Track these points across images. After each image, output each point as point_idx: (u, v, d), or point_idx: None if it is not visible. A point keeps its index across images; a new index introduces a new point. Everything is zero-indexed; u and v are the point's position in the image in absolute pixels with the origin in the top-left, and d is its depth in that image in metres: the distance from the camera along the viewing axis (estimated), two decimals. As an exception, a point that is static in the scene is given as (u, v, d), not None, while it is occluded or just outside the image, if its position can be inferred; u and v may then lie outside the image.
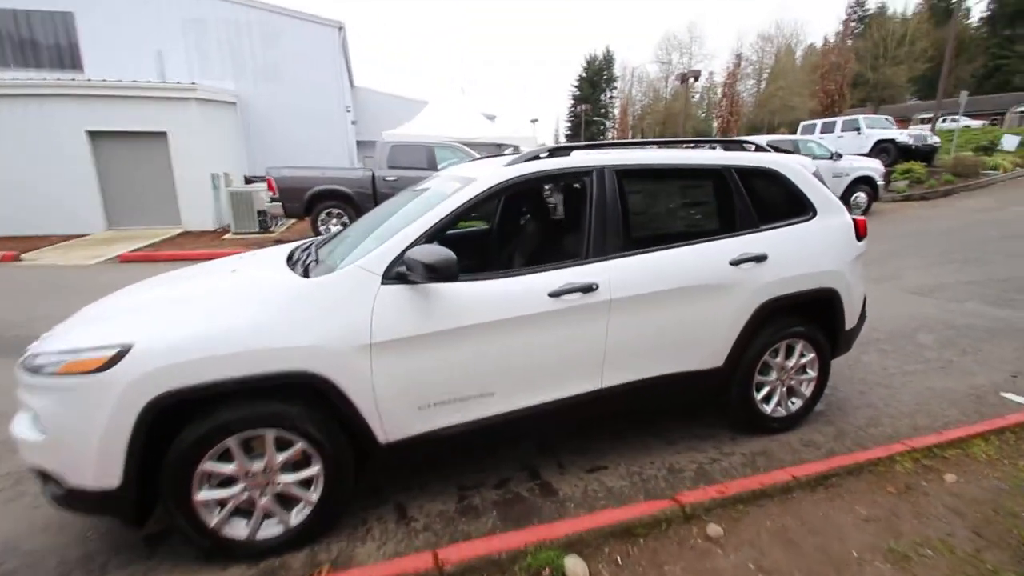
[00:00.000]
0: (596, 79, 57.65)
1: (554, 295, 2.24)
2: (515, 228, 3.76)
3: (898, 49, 35.19)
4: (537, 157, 2.44)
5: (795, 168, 2.88)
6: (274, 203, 8.74)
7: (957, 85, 32.99)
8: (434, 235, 2.16)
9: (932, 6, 40.14)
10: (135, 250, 8.93)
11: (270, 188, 8.57)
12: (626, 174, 2.51)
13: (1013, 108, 31.64)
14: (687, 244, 2.53)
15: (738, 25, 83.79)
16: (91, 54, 13.86)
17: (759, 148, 2.96)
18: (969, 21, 41.15)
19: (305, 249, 2.73)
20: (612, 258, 2.39)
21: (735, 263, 2.57)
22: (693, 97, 47.76)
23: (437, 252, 1.97)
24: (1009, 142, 18.10)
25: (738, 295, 2.58)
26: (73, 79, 11.33)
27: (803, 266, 2.74)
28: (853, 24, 38.06)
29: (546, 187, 3.56)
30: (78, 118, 10.95)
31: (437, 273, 1.95)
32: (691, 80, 32.61)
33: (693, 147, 3.01)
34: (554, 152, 2.48)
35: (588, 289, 2.29)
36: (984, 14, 42.53)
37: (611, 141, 2.65)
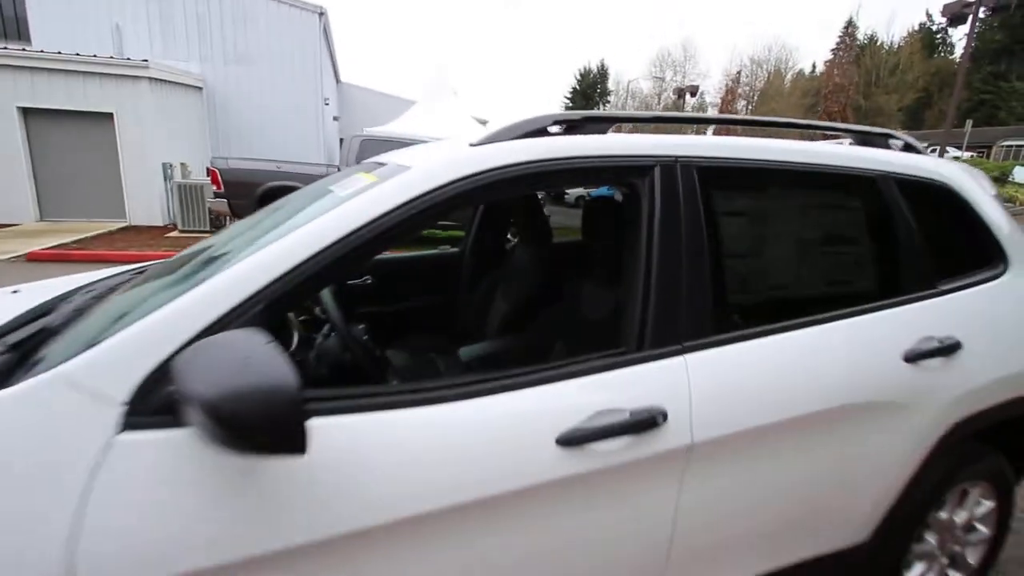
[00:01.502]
0: (589, 92, 57.02)
1: (571, 441, 0.99)
2: (497, 261, 2.52)
3: (890, 78, 35.35)
4: (540, 132, 1.19)
5: (974, 184, 1.68)
6: (218, 199, 7.39)
7: (941, 119, 33.04)
8: (281, 300, 0.90)
9: (922, 38, 40.44)
10: (50, 248, 7.51)
11: (214, 182, 7.23)
12: (720, 176, 1.27)
13: (999, 142, 31.51)
14: (824, 320, 1.30)
15: (731, 45, 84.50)
16: (42, 27, 12.41)
17: (910, 147, 1.74)
18: (952, 56, 41.58)
19: (89, 291, 1.43)
20: (690, 349, 1.15)
21: (912, 358, 1.34)
22: (690, 114, 47.21)
23: (254, 369, 0.71)
24: (1021, 174, 17.47)
25: (914, 417, 1.36)
26: (5, 47, 9.90)
27: (1012, 360, 1.52)
28: (842, 53, 38.08)
29: (546, 194, 2.36)
30: (9, 93, 9.53)
31: (244, 430, 0.69)
32: (687, 96, 31.97)
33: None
34: (576, 125, 1.24)
35: (646, 425, 1.04)
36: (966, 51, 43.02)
37: (673, 115, 1.31)
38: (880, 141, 1.70)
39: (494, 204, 2.55)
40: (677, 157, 1.22)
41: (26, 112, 9.74)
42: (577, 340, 1.61)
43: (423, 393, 0.96)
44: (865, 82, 35.62)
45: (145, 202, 10.32)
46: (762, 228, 1.36)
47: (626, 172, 1.20)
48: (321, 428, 0.84)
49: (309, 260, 0.90)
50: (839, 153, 1.44)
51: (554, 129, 1.23)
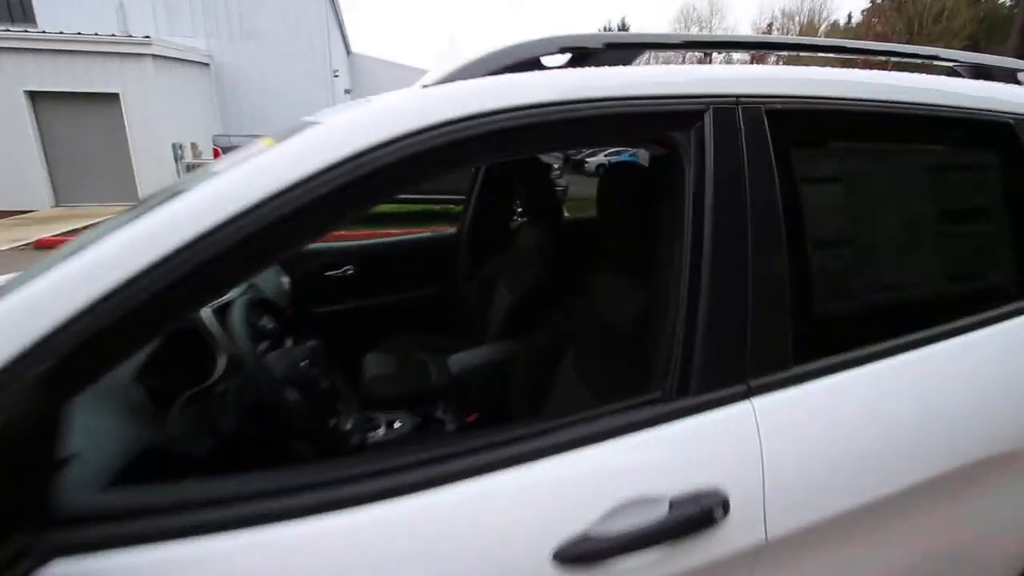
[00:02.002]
0: (613, 53, 54.67)
1: (577, 558, 0.62)
2: (500, 243, 2.13)
3: (934, 25, 32.82)
4: (531, 64, 0.78)
5: None
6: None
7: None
8: (87, 351, 0.54)
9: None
10: (58, 235, 7.41)
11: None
12: (806, 124, 0.85)
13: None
14: (967, 328, 0.88)
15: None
16: (46, 7, 12.18)
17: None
18: (1002, 1, 38.09)
19: None
20: (762, 390, 0.75)
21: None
22: (717, 73, 45.05)
23: None
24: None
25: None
26: (7, 30, 9.71)
27: None
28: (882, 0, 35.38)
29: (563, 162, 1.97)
30: (15, 76, 9.36)
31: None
32: (715, 53, 30.20)
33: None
34: (586, 55, 0.83)
35: (695, 523, 0.66)
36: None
37: (717, 39, 0.87)
38: (1004, 75, 1.23)
39: (496, 172, 2.15)
40: (739, 97, 0.80)
41: (33, 96, 9.59)
42: (596, 350, 1.23)
43: (316, 492, 0.60)
44: (907, 31, 33.16)
45: (157, 184, 10.16)
46: (869, 201, 0.93)
47: (660, 121, 0.78)
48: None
49: (117, 293, 0.54)
50: (954, 88, 0.99)
51: (553, 61, 0.82)
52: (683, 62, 1.04)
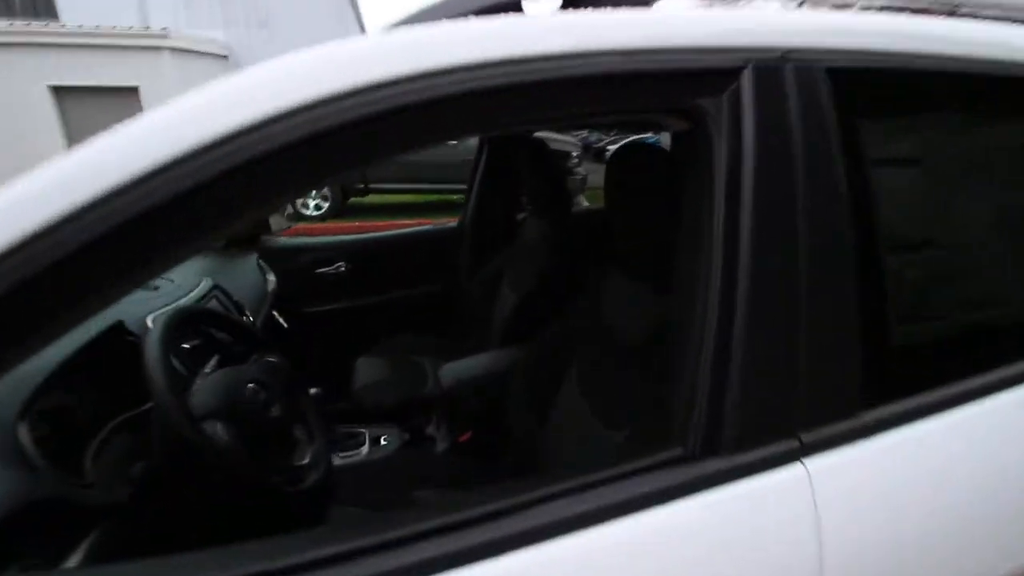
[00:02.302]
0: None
1: None
2: (505, 237, 1.94)
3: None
4: (508, 6, 0.59)
5: None
6: (238, 172, 7.04)
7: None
8: None
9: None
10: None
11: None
12: (880, 88, 0.63)
13: None
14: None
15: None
16: (69, 1, 12.31)
17: None
18: None
19: None
20: (818, 447, 0.55)
21: None
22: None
23: None
24: None
25: None
26: (28, 24, 9.82)
27: None
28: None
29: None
30: (39, 71, 9.49)
31: None
32: None
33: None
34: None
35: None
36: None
37: None
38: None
39: (499, 156, 1.95)
40: (787, 52, 0.59)
41: (57, 91, 9.72)
42: (603, 367, 1.05)
43: None
44: None
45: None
46: (969, 192, 0.70)
47: (679, 84, 0.58)
48: None
49: None
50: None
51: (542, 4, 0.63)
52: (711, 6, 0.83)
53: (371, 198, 7.60)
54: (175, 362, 1.01)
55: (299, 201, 7.08)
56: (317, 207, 7.07)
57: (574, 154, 6.92)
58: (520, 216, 1.98)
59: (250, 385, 0.88)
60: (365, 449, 1.36)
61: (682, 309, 0.62)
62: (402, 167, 6.97)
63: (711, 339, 0.56)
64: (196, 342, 1.05)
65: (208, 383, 0.83)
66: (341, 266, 1.97)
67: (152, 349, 0.73)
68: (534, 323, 1.57)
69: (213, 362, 0.99)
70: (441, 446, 1.39)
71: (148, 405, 0.85)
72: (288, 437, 0.91)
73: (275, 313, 1.74)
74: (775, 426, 0.57)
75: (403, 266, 2.05)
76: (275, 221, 2.00)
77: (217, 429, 0.74)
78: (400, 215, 7.32)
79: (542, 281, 1.58)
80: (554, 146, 7.32)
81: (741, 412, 0.55)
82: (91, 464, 0.75)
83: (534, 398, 1.21)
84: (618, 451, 0.85)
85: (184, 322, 0.84)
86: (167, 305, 1.09)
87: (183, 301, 1.14)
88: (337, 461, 1.32)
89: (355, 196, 7.53)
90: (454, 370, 1.37)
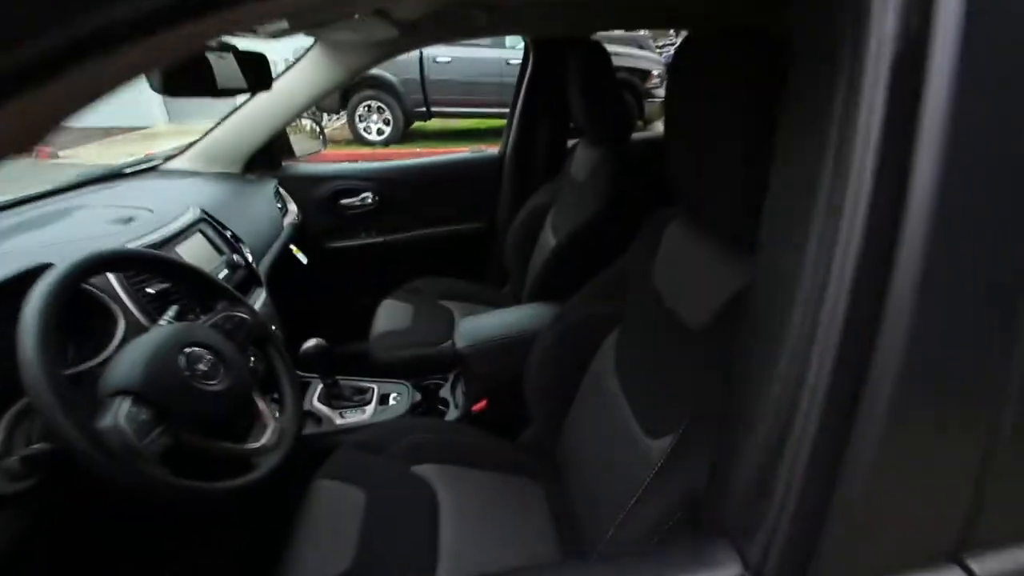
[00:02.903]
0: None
1: None
2: (551, 168, 1.64)
3: None
4: None
5: None
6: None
7: None
8: None
9: None
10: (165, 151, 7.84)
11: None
12: None
13: None
14: None
15: None
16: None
17: None
18: None
19: None
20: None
21: None
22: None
23: None
24: None
25: None
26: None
27: None
28: None
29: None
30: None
31: None
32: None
33: None
34: None
35: None
36: None
37: None
38: None
39: (549, 65, 1.61)
40: None
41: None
42: (647, 347, 0.80)
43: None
44: None
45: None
46: None
47: None
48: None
49: None
50: None
51: None
52: None
53: (434, 123, 7.32)
54: (134, 310, 0.87)
55: (360, 125, 6.95)
56: (379, 131, 6.90)
57: (655, 72, 6.16)
58: (571, 143, 1.65)
59: (188, 350, 0.71)
60: (370, 409, 1.21)
61: (775, 297, 0.35)
62: (467, 88, 6.58)
63: (815, 369, 0.29)
64: (164, 286, 0.90)
65: (126, 351, 0.67)
66: (367, 197, 1.77)
67: (28, 318, 0.56)
68: (572, 276, 1.31)
69: (170, 313, 0.84)
70: (453, 413, 1.22)
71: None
72: (240, 413, 0.74)
73: (293, 247, 1.59)
74: (923, 538, 0.30)
75: (436, 199, 1.82)
76: (301, 145, 1.81)
77: (119, 416, 0.58)
78: (464, 141, 7.03)
79: (589, 225, 1.30)
80: (630, 62, 6.58)
81: (867, 515, 0.29)
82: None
83: (559, 374, 0.98)
84: (652, 479, 0.61)
85: (86, 273, 0.67)
86: (142, 239, 0.94)
87: (158, 235, 0.99)
88: (337, 421, 1.18)
89: (418, 121, 7.27)
90: (471, 329, 1.16)
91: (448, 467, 1.03)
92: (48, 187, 1.28)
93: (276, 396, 0.88)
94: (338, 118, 8.51)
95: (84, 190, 1.31)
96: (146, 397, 0.63)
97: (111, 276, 0.82)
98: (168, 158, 1.61)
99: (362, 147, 6.80)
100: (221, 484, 0.65)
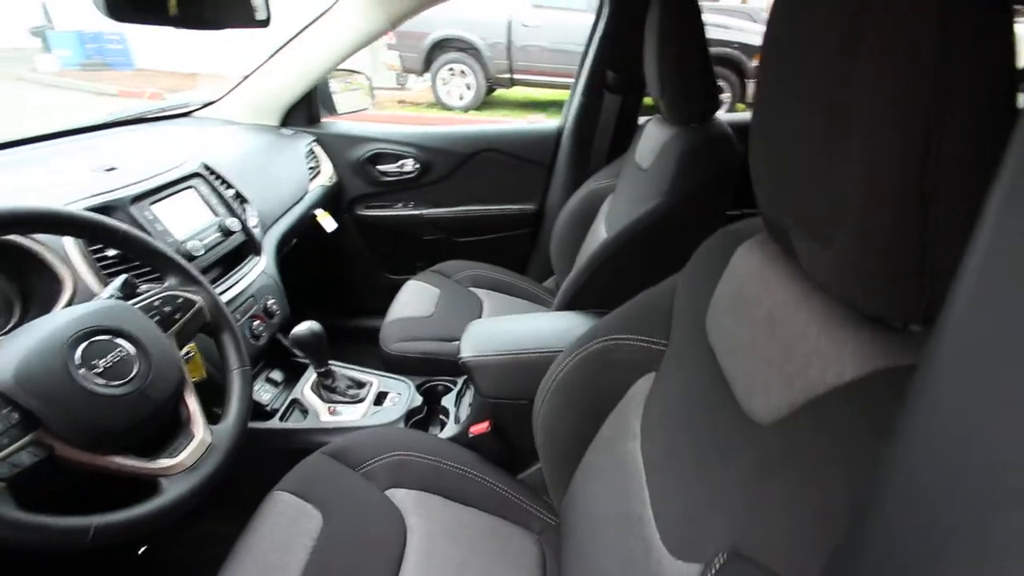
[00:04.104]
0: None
1: None
2: (617, 146, 1.38)
3: None
4: None
5: None
6: (391, 51, 6.93)
7: None
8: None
9: None
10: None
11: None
12: None
13: None
14: None
15: None
16: None
17: None
18: None
19: None
20: None
21: None
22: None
23: None
24: None
25: None
26: None
27: None
28: None
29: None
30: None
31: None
32: None
33: None
34: None
35: None
36: None
37: None
38: None
39: (624, 22, 1.34)
40: None
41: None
42: (682, 419, 0.57)
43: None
44: None
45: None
46: None
47: None
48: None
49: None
50: None
51: None
52: None
53: (516, 91, 7.06)
54: (85, 274, 0.75)
55: (443, 89, 6.83)
56: (460, 96, 6.75)
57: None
58: (643, 121, 1.38)
59: (92, 340, 0.57)
60: (363, 408, 1.06)
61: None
62: (555, 56, 6.24)
63: None
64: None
65: (12, 337, 0.53)
66: (407, 164, 1.60)
67: None
68: (617, 284, 1.07)
69: (114, 285, 0.71)
70: (450, 429, 1.04)
71: None
72: (152, 421, 0.60)
73: (318, 211, 1.46)
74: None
75: (483, 174, 1.62)
76: (345, 103, 1.67)
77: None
78: (546, 112, 6.73)
79: (645, 223, 1.05)
80: (739, 36, 5.97)
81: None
82: None
83: (572, 412, 0.77)
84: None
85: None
86: (106, 194, 0.83)
87: (135, 188, 0.87)
88: (323, 417, 1.05)
89: (500, 88, 7.04)
90: (480, 336, 0.96)
91: (429, 497, 0.86)
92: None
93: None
94: (423, 80, 8.45)
95: (106, 131, 1.24)
96: (13, 398, 0.49)
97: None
98: (206, 104, 1.52)
99: (441, 111, 6.70)
100: (97, 519, 0.51)
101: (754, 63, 5.49)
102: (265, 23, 0.85)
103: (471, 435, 0.95)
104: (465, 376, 1.15)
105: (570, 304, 1.12)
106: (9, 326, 0.68)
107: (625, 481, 0.63)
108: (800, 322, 0.43)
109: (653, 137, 1.18)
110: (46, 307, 0.72)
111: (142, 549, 0.97)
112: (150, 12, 0.63)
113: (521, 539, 0.83)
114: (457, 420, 1.06)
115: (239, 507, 0.82)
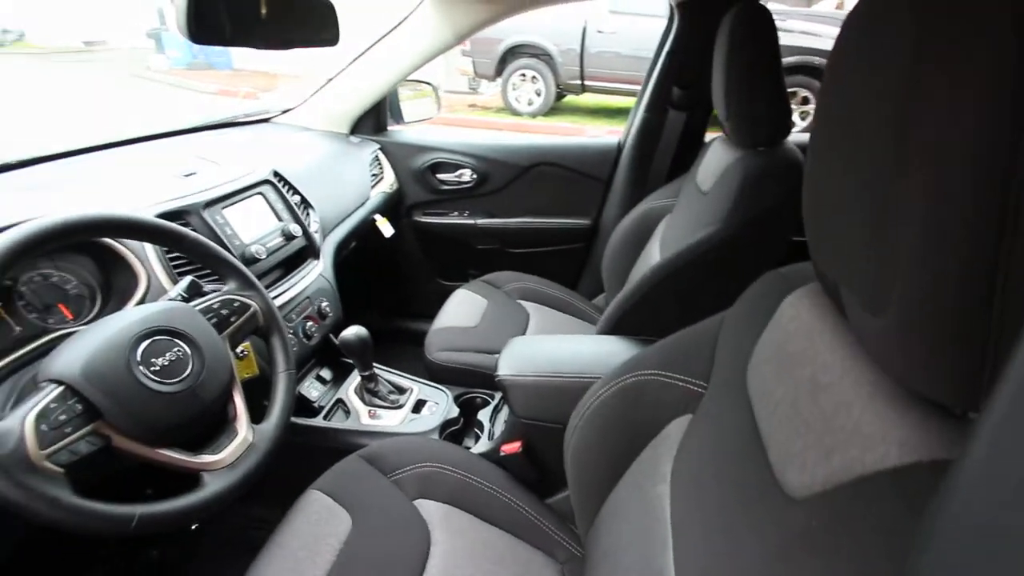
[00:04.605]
0: None
1: None
2: (679, 165, 1.34)
3: None
4: None
5: None
6: (465, 56, 7.10)
7: None
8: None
9: None
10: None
11: (461, 37, 6.88)
12: None
13: None
14: None
15: None
16: None
17: None
18: None
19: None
20: None
21: None
22: None
23: None
24: None
25: None
26: None
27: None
28: None
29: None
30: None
31: None
32: None
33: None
34: None
35: None
36: None
37: None
38: None
39: (697, 34, 1.29)
40: None
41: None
42: (717, 477, 0.54)
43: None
44: None
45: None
46: None
47: None
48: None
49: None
50: None
51: None
52: None
53: (585, 97, 7.01)
54: (159, 272, 0.82)
55: (512, 94, 6.89)
56: (529, 102, 6.79)
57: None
58: (709, 140, 1.32)
59: (152, 340, 0.62)
60: (402, 414, 1.09)
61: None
62: (629, 63, 6.13)
63: None
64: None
65: (84, 332, 0.59)
66: (465, 174, 1.63)
67: None
68: (667, 312, 1.04)
69: (182, 286, 0.77)
70: (483, 445, 1.04)
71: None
72: (199, 419, 0.64)
73: (378, 217, 1.52)
74: None
75: (540, 187, 1.61)
76: (412, 111, 1.72)
77: (36, 407, 0.50)
78: (616, 119, 6.63)
79: (700, 250, 1.00)
80: (826, 44, 5.59)
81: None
82: None
83: (604, 445, 0.75)
84: None
85: (34, 246, 0.58)
86: (183, 198, 0.90)
87: (211, 193, 0.94)
88: (364, 420, 1.08)
89: (570, 94, 7.02)
90: (519, 355, 0.96)
91: (456, 512, 0.86)
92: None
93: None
94: (495, 84, 8.56)
95: (194, 135, 1.35)
96: (79, 391, 0.55)
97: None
98: (284, 111, 1.62)
99: (510, 116, 6.77)
100: (141, 509, 0.56)
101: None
102: (333, 42, 0.89)
103: (502, 453, 0.95)
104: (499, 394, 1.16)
105: (615, 327, 1.09)
106: (90, 316, 0.76)
107: (650, 526, 0.60)
108: (845, 391, 0.39)
109: (716, 159, 1.12)
110: (122, 300, 0.79)
111: (194, 526, 1.05)
112: (228, 34, 0.68)
113: (543, 566, 0.82)
114: (491, 436, 1.06)
115: (280, 496, 0.87)
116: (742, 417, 0.53)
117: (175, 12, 0.64)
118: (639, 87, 1.49)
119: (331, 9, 0.86)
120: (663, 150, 1.44)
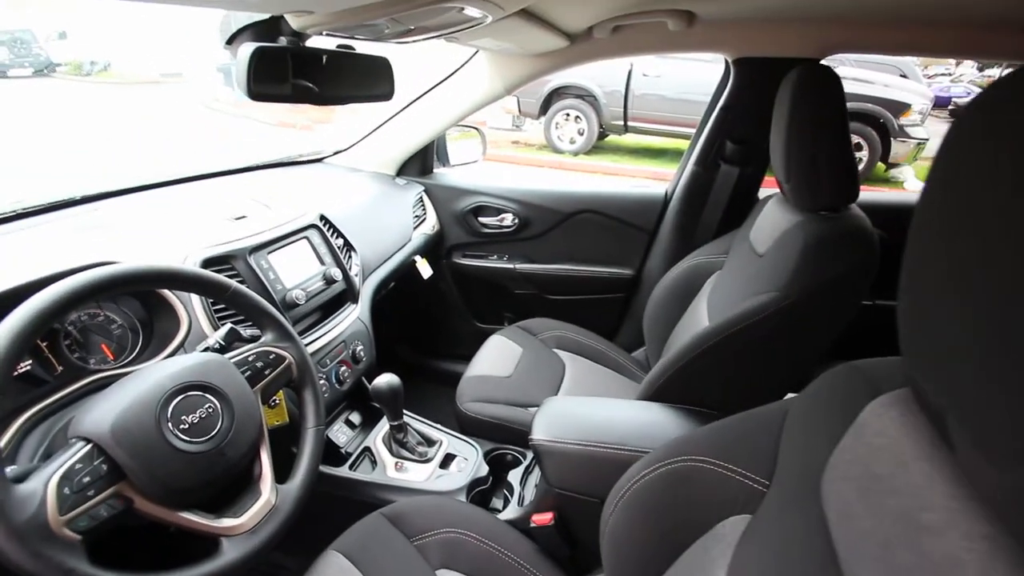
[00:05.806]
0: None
1: None
2: (730, 220, 1.29)
3: None
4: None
5: None
6: (510, 95, 7.27)
7: None
8: None
9: None
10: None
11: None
12: None
13: None
14: None
15: None
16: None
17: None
18: None
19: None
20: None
21: None
22: None
23: None
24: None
25: None
26: None
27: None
28: None
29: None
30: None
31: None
32: None
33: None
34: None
35: None
36: None
37: None
38: None
39: (751, 86, 1.26)
40: None
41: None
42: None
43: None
44: None
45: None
46: None
47: None
48: None
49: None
50: None
51: None
52: None
53: (627, 138, 7.04)
54: (201, 317, 0.82)
55: (555, 133, 6.99)
56: (571, 141, 6.87)
57: (916, 108, 4.95)
58: (764, 196, 1.26)
59: (183, 396, 0.60)
60: (429, 469, 1.05)
61: None
62: (674, 106, 6.15)
63: None
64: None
65: (117, 387, 0.58)
66: (507, 218, 1.62)
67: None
68: (716, 384, 0.97)
69: (220, 334, 0.77)
70: (511, 511, 0.98)
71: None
72: (223, 478, 0.62)
73: (418, 258, 1.51)
74: None
75: (582, 235, 1.59)
76: (458, 154, 1.74)
77: (61, 467, 0.49)
78: (657, 160, 6.61)
79: (755, 320, 0.93)
80: (886, 93, 5.44)
81: None
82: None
83: (643, 537, 0.68)
84: None
85: (92, 293, 0.58)
86: (231, 243, 0.92)
87: (258, 238, 0.95)
88: (390, 473, 1.04)
89: (613, 135, 7.07)
90: (555, 417, 0.91)
91: (479, 587, 0.81)
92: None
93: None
94: (539, 122, 8.72)
95: (251, 173, 1.39)
96: (106, 450, 0.53)
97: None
98: (337, 152, 1.66)
99: (552, 153, 6.85)
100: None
101: (901, 121, 4.95)
102: (388, 96, 0.90)
103: (532, 524, 0.89)
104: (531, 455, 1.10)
105: (657, 393, 1.02)
106: (130, 357, 0.76)
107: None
108: (952, 543, 0.33)
109: (773, 219, 1.07)
110: (163, 344, 0.80)
111: None
112: (287, 93, 0.69)
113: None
114: (521, 501, 1.00)
115: (300, 542, 0.84)
116: (815, 534, 0.46)
117: (235, 72, 0.65)
118: (682, 128, 1.45)
119: (387, 65, 0.87)
120: (713, 203, 1.39)
